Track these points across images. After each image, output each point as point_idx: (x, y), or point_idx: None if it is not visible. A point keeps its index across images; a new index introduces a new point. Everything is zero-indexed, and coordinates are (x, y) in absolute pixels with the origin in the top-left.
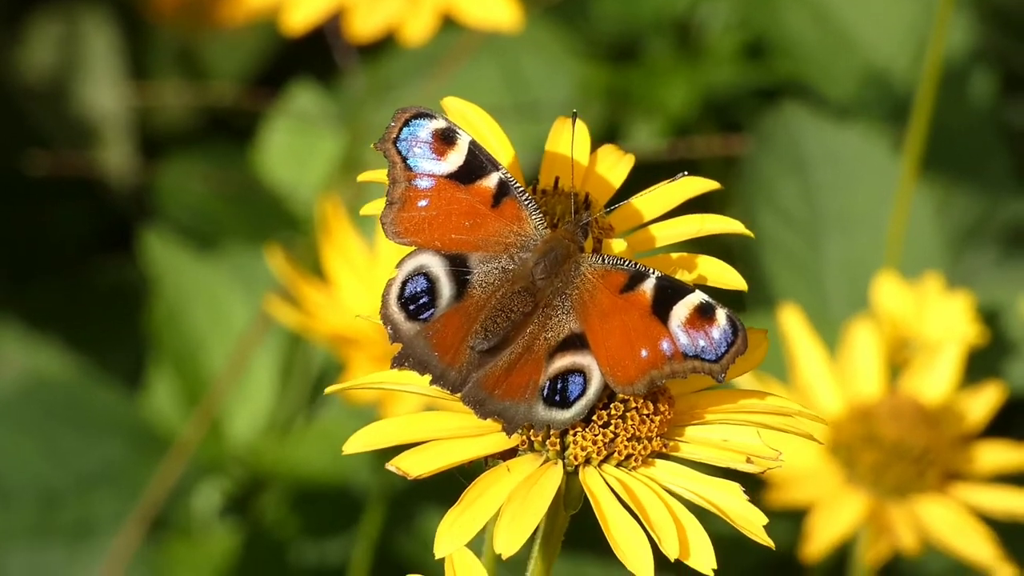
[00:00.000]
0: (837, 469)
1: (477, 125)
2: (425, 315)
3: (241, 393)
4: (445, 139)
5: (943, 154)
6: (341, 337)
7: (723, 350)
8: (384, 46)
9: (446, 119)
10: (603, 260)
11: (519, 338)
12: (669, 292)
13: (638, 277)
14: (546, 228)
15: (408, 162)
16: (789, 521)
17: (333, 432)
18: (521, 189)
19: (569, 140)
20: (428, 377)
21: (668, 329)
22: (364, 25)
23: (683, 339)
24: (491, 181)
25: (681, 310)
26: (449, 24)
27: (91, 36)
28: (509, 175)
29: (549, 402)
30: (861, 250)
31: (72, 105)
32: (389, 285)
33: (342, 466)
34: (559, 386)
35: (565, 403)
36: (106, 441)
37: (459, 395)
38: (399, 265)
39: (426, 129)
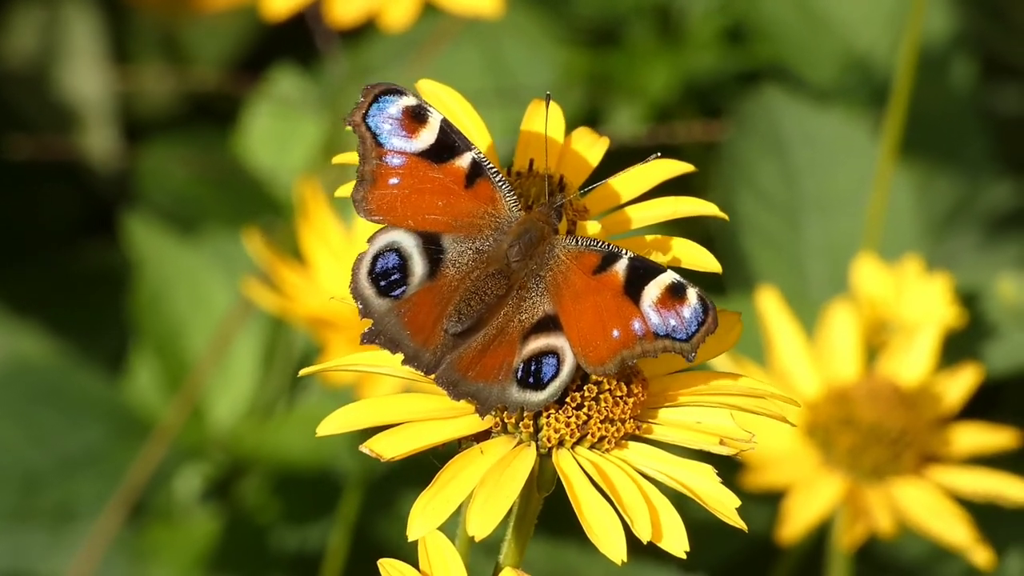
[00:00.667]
0: (814, 451)
1: (452, 107)
2: (396, 292)
3: (223, 377)
4: (416, 116)
5: (924, 138)
6: (319, 320)
7: (693, 329)
8: (365, 31)
9: (417, 96)
10: (577, 242)
11: (493, 320)
12: (641, 272)
13: (611, 258)
14: (520, 210)
15: (378, 139)
16: (766, 504)
17: (314, 416)
18: (495, 170)
19: (542, 121)
20: (400, 357)
21: (640, 309)
22: (345, 11)
23: (654, 319)
24: (464, 161)
25: (653, 290)
26: (430, 9)
27: (73, 21)
28: (482, 155)
29: (523, 384)
30: (841, 232)
31: (55, 90)
32: (359, 259)
33: (323, 450)
34: (532, 368)
35: (539, 384)
36: (88, 425)
37: (433, 376)
38: (370, 240)
39: (396, 105)
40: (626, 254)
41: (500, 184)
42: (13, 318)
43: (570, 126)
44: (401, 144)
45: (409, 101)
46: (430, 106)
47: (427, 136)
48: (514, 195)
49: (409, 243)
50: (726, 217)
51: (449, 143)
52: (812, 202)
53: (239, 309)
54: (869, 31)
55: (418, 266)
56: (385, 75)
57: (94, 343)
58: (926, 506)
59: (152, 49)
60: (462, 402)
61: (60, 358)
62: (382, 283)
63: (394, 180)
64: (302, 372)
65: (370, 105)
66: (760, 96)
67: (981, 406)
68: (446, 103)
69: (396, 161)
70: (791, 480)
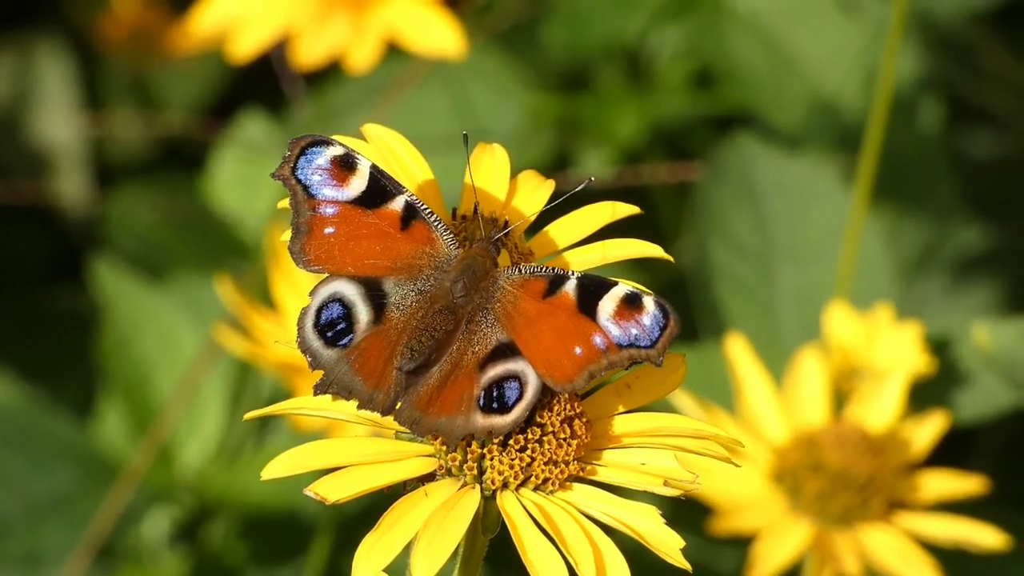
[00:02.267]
0: (782, 497)
1: (397, 151)
2: (344, 341)
3: (190, 420)
4: (345, 165)
5: (892, 182)
6: (288, 365)
7: (656, 335)
8: (332, 75)
9: (343, 145)
10: (520, 270)
11: (446, 355)
12: (592, 289)
13: (558, 280)
14: (458, 248)
15: (309, 190)
16: (735, 549)
17: None
18: (429, 211)
19: (489, 165)
20: (354, 403)
21: (598, 324)
22: (309, 53)
23: (615, 331)
24: (397, 204)
25: (608, 304)
26: (397, 52)
27: (45, 66)
28: (415, 197)
29: (487, 410)
30: (813, 280)
31: (27, 135)
32: (304, 313)
33: (291, 493)
34: (495, 394)
35: (504, 408)
36: (56, 469)
37: (390, 417)
38: (312, 293)
39: (324, 156)
40: (573, 274)
41: (435, 224)
42: None
43: (540, 171)
44: (333, 193)
45: (336, 151)
46: (358, 154)
47: (358, 184)
48: (450, 233)
49: (351, 292)
50: (671, 259)
51: (380, 188)
52: (784, 249)
53: (206, 352)
54: (835, 74)
55: (363, 313)
56: (351, 118)
57: (62, 386)
58: (894, 551)
59: (123, 94)
60: (407, 445)
61: (28, 402)
62: (328, 334)
63: (329, 229)
64: (247, 416)
65: (298, 158)
66: (732, 143)
67: (954, 453)
68: (391, 146)
69: (329, 210)
70: (759, 525)
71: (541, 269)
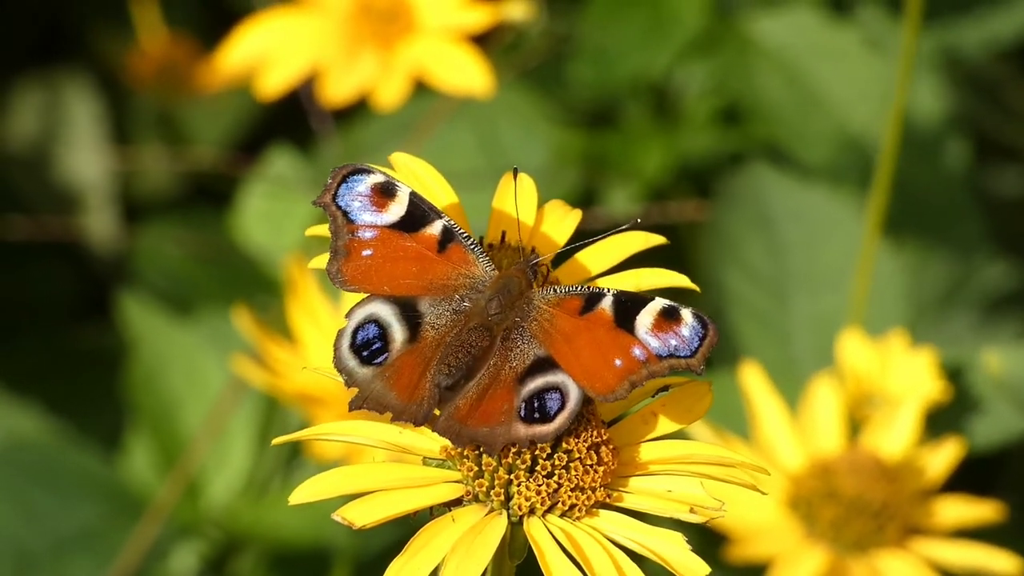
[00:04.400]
0: (797, 524)
1: (424, 179)
2: (379, 360)
3: (218, 455)
4: (385, 192)
5: (919, 220)
6: (308, 396)
7: (696, 345)
8: (359, 112)
9: (384, 173)
10: (555, 290)
11: (482, 370)
12: (629, 305)
13: (594, 298)
14: (494, 269)
15: (349, 215)
16: None
17: None
18: (466, 235)
19: (517, 195)
20: (377, 428)
21: (637, 337)
22: (337, 90)
23: (654, 343)
24: (435, 228)
25: (645, 318)
26: (425, 89)
27: (72, 103)
28: (452, 222)
29: (528, 420)
30: (828, 308)
31: (55, 172)
32: (340, 334)
33: (319, 528)
34: (536, 404)
35: (546, 418)
36: (83, 504)
37: (417, 442)
38: (349, 315)
39: (364, 184)
40: (608, 291)
41: (472, 247)
42: (9, 397)
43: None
44: (372, 219)
45: (377, 178)
46: (398, 181)
47: (397, 209)
48: (487, 256)
49: (387, 312)
50: (697, 289)
51: (419, 214)
52: (799, 278)
53: (233, 387)
54: (863, 111)
55: (398, 333)
56: (379, 155)
57: (90, 422)
58: None
59: (150, 130)
60: (434, 471)
61: (55, 437)
62: (364, 353)
63: (367, 251)
64: (275, 441)
65: (339, 186)
66: (747, 172)
67: (974, 480)
68: (419, 175)
69: (368, 234)
70: (774, 553)
71: (576, 288)
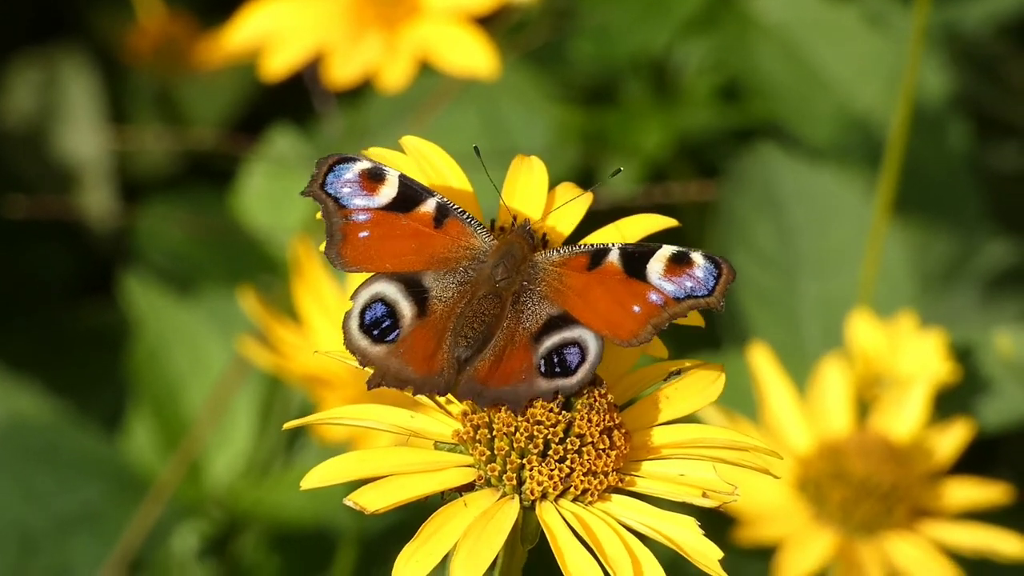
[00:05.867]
0: (806, 506)
1: (435, 161)
2: (391, 336)
3: (220, 435)
4: (374, 177)
5: (921, 198)
6: (314, 378)
7: (712, 284)
8: (362, 91)
9: (370, 160)
10: (559, 251)
11: (497, 334)
12: (636, 256)
13: (600, 253)
14: (493, 239)
15: (340, 201)
16: (758, 559)
17: None
18: (461, 209)
19: (527, 177)
20: (388, 412)
21: (651, 284)
22: (342, 71)
23: (669, 287)
24: (429, 206)
25: (656, 265)
26: (427, 69)
27: (70, 81)
28: (445, 199)
29: (550, 374)
30: (836, 290)
31: (52, 150)
32: (348, 316)
33: (320, 508)
34: (555, 359)
35: (567, 371)
36: (85, 484)
37: (428, 426)
38: (354, 296)
39: (352, 171)
40: (614, 246)
41: (469, 220)
42: (10, 376)
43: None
44: (364, 202)
45: (364, 164)
46: (385, 166)
47: (388, 191)
48: (484, 227)
49: (392, 289)
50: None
51: (411, 194)
52: (807, 260)
53: (236, 368)
54: (868, 90)
55: (406, 308)
56: (382, 135)
57: (91, 401)
58: (918, 560)
59: (149, 108)
60: (446, 455)
61: (57, 417)
62: (375, 332)
63: (364, 233)
64: (286, 425)
65: (326, 175)
66: (755, 154)
67: (978, 461)
68: (428, 157)
69: (362, 217)
70: (783, 535)
71: (579, 247)
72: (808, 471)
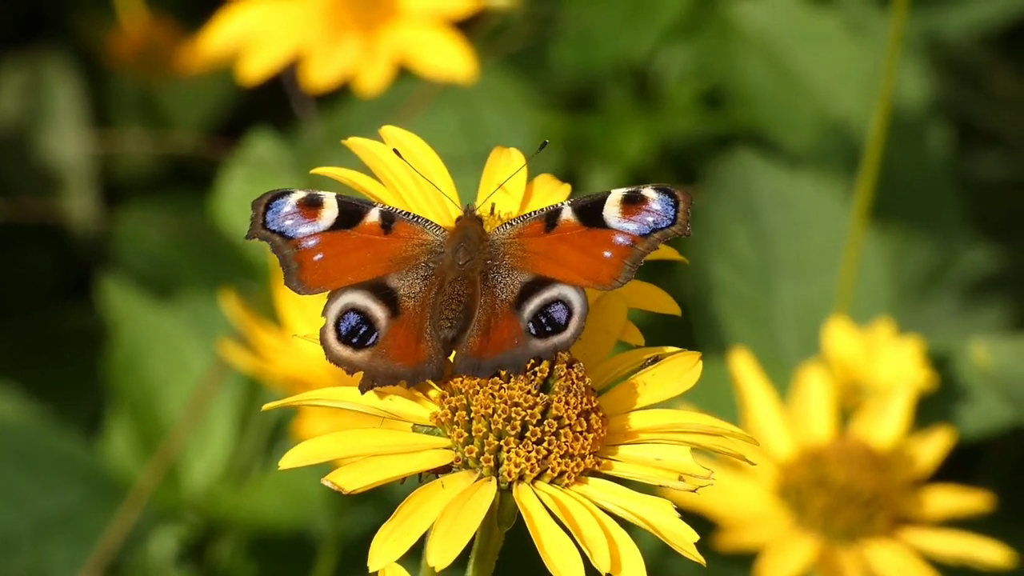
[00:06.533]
0: (787, 513)
1: (413, 151)
2: (371, 340)
3: (198, 440)
4: (311, 204)
5: (900, 204)
6: (296, 381)
7: (672, 213)
8: (342, 95)
9: (302, 189)
10: (510, 224)
11: (477, 311)
12: (589, 206)
13: (553, 214)
14: (443, 229)
15: (285, 234)
16: (739, 565)
17: (290, 480)
18: (405, 212)
19: (504, 169)
20: (366, 394)
21: (613, 228)
22: (320, 74)
23: (632, 227)
24: (373, 216)
25: (612, 209)
26: (407, 74)
27: (54, 84)
28: (387, 206)
29: (542, 335)
30: (813, 296)
31: (35, 153)
32: (324, 332)
33: (299, 513)
34: (543, 320)
35: (559, 328)
36: (63, 488)
37: (407, 408)
38: (325, 312)
39: (288, 204)
40: (563, 205)
41: (415, 219)
42: None
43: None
44: (309, 228)
45: (298, 195)
46: (319, 192)
47: (329, 213)
48: (430, 222)
49: (360, 297)
50: (686, 260)
51: (352, 209)
52: (784, 266)
53: (215, 372)
54: (847, 97)
55: (378, 311)
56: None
57: (70, 405)
58: (899, 568)
59: (131, 112)
60: (424, 438)
61: (35, 419)
62: (354, 340)
63: (318, 256)
64: (266, 407)
65: (264, 214)
66: (733, 160)
67: (957, 469)
68: (407, 147)
69: (312, 242)
70: (764, 541)
71: (529, 215)
72: (790, 478)
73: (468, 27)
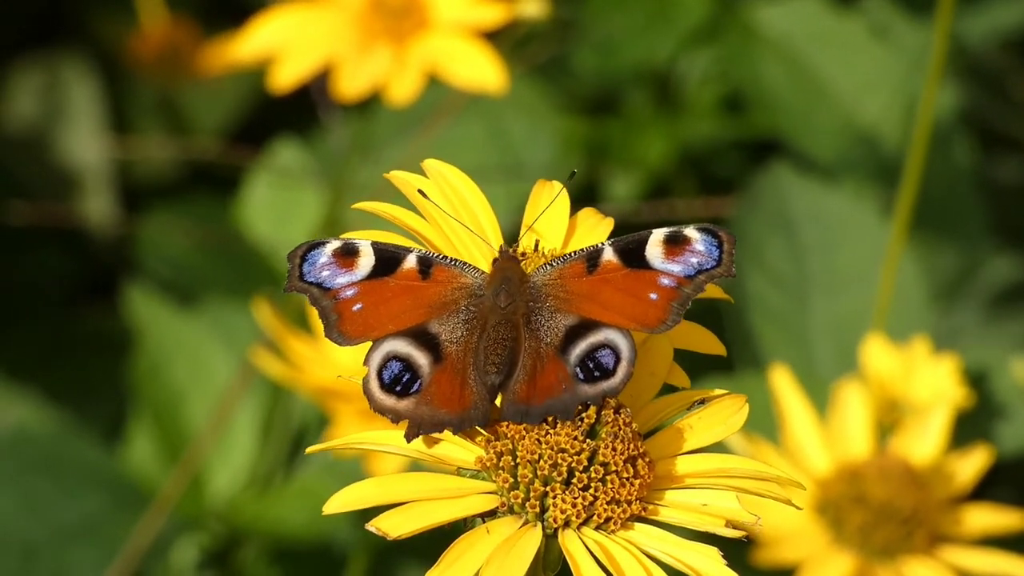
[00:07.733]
0: (825, 529)
1: (456, 184)
2: (415, 388)
3: (221, 448)
4: (348, 253)
5: (926, 213)
6: (328, 390)
7: (717, 254)
8: (368, 102)
9: (339, 239)
10: (551, 264)
11: (522, 355)
12: (631, 247)
13: (595, 254)
14: (483, 272)
15: (323, 286)
16: None
17: (313, 489)
18: (442, 256)
19: (548, 201)
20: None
21: (656, 270)
22: (351, 84)
23: (676, 268)
24: (411, 262)
25: (654, 250)
26: (433, 83)
27: (72, 86)
28: (424, 251)
29: (590, 380)
30: (848, 310)
31: (54, 155)
32: (367, 381)
33: (321, 523)
34: (591, 365)
35: (607, 373)
36: (85, 495)
37: (451, 452)
38: (367, 361)
39: (324, 254)
40: (603, 245)
41: (453, 263)
42: (10, 384)
43: (570, 197)
44: (347, 279)
45: (334, 244)
46: (354, 239)
47: (366, 262)
48: (468, 264)
49: (402, 345)
50: (731, 300)
51: (389, 256)
52: (819, 280)
53: (239, 380)
54: (873, 103)
55: (421, 358)
56: (388, 148)
57: (92, 409)
58: None
59: (151, 114)
60: (468, 482)
61: (56, 426)
62: (397, 388)
63: (357, 306)
64: (308, 450)
65: (300, 267)
66: (768, 173)
67: (990, 486)
68: (450, 180)
69: (350, 292)
70: (802, 557)
71: (570, 255)
72: (828, 494)
73: (495, 36)
